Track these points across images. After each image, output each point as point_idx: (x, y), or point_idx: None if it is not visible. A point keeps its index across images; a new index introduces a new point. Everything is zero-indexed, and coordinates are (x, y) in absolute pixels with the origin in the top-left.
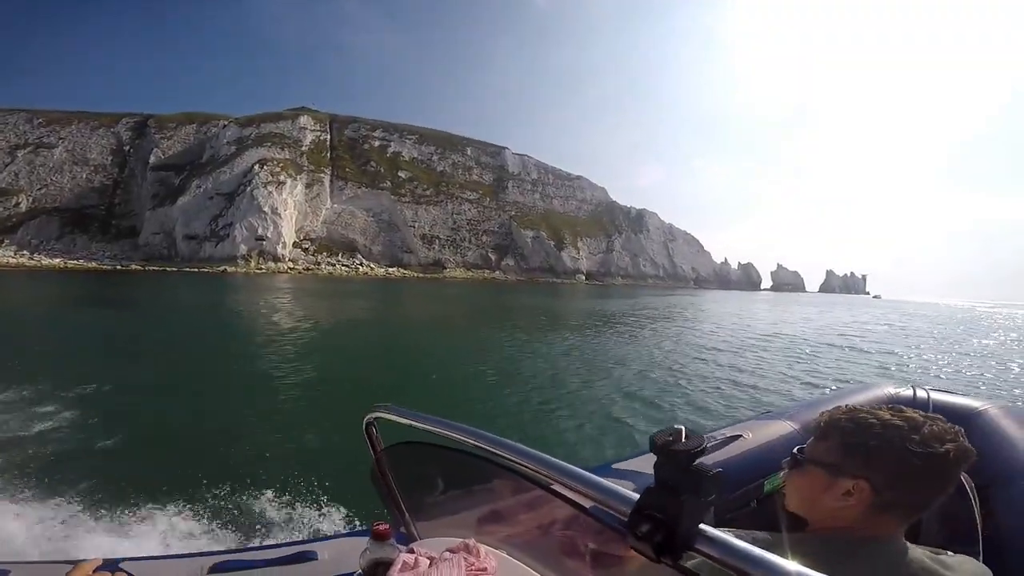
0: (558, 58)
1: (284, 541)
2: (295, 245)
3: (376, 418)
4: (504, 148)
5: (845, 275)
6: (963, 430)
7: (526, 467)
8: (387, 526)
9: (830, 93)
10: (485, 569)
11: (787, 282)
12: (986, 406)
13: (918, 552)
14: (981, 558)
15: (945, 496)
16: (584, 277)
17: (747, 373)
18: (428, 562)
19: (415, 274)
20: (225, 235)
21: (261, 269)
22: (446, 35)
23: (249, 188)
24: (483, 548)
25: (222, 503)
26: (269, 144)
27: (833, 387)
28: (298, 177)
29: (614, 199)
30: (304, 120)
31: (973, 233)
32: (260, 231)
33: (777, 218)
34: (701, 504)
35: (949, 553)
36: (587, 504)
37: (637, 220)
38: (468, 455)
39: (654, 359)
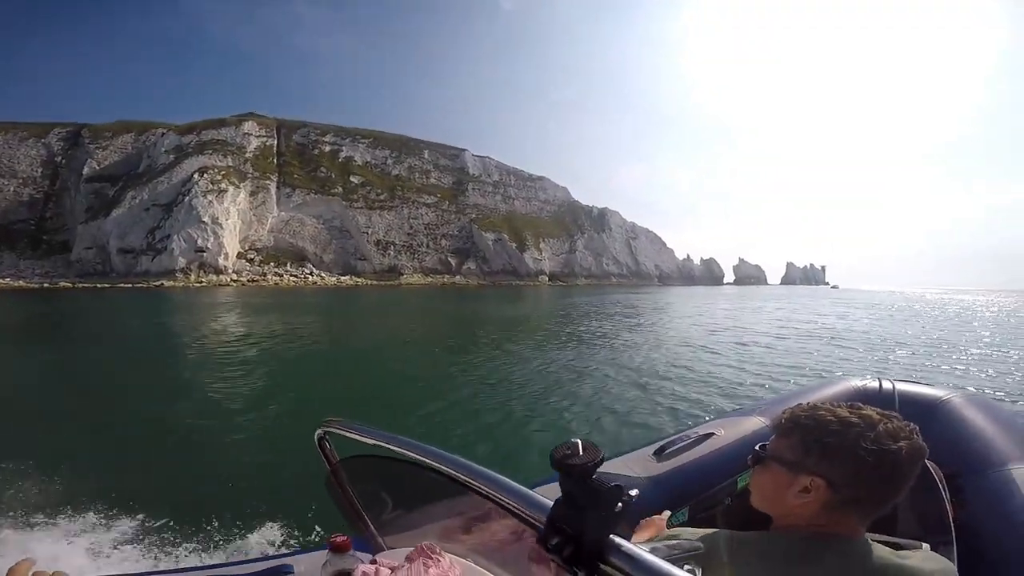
0: (525, 60)
1: (257, 556)
2: (239, 256)
3: (328, 432)
4: (464, 150)
5: (805, 267)
6: (918, 428)
7: (460, 476)
8: (346, 538)
9: (799, 92)
10: None
11: (749, 275)
12: (950, 395)
13: (880, 549)
14: (955, 548)
15: (900, 494)
16: (547, 278)
17: (701, 373)
18: (389, 572)
19: (370, 282)
20: (162, 248)
21: (202, 282)
22: (408, 38)
23: (188, 198)
24: (448, 556)
25: (188, 522)
26: (210, 151)
27: (804, 381)
28: (241, 185)
29: (576, 199)
30: (249, 126)
31: (928, 225)
32: (200, 242)
33: (753, 216)
34: (605, 517)
35: (916, 548)
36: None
37: (599, 219)
38: (424, 467)
39: (620, 362)
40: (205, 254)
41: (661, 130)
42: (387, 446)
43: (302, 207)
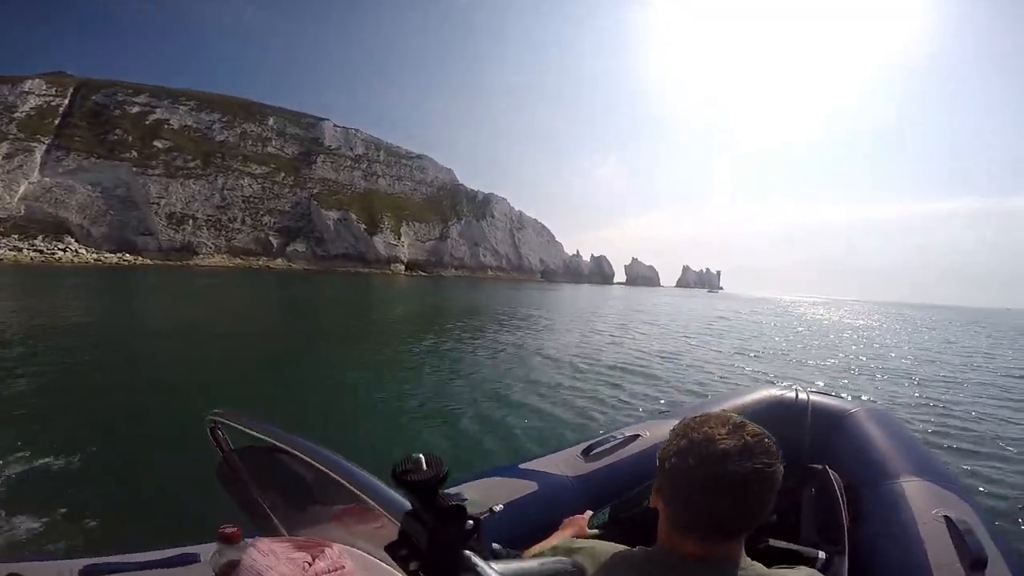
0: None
1: (165, 547)
2: None
3: (219, 422)
4: (324, 119)
5: (701, 271)
6: (773, 448)
7: (330, 472)
8: (235, 529)
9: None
10: (343, 567)
11: (642, 276)
12: (856, 408)
13: (757, 570)
14: (847, 558)
15: (740, 514)
16: (404, 267)
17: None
18: (277, 561)
19: (152, 261)
20: None
21: None
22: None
23: None
24: (337, 547)
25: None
26: None
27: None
28: None
29: (463, 183)
30: (34, 84)
31: (807, 235)
32: None
33: (658, 220)
34: (454, 534)
35: (811, 556)
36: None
37: (483, 205)
38: (310, 462)
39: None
40: None
41: (593, 129)
42: (272, 440)
43: (75, 173)
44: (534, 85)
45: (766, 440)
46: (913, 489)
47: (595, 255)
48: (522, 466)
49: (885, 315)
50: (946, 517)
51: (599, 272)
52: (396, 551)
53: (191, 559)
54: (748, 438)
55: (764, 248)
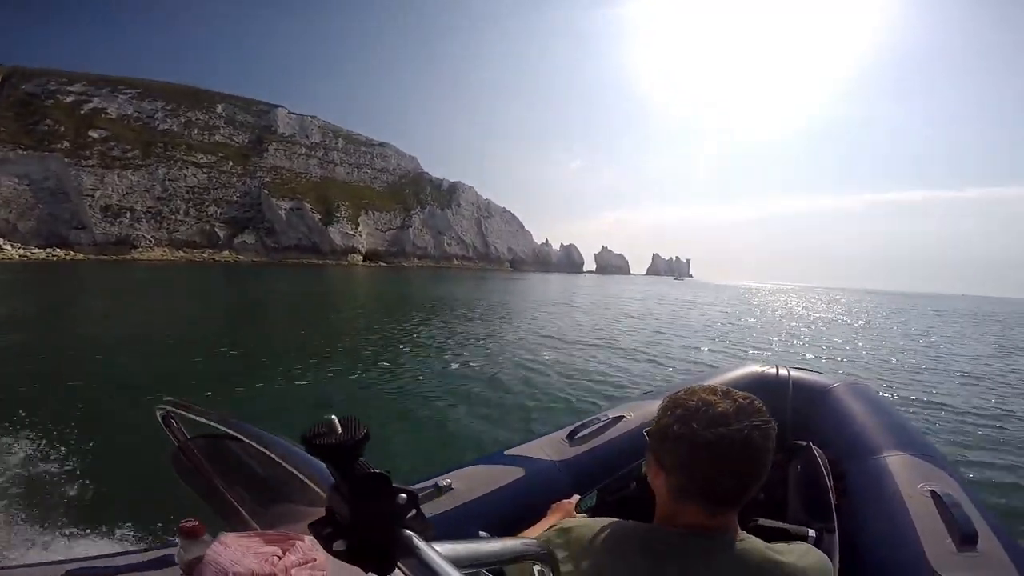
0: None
1: (144, 547)
2: None
3: (171, 411)
4: (277, 106)
5: (670, 259)
6: (764, 416)
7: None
8: (196, 523)
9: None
10: (314, 559)
11: (612, 264)
12: (837, 383)
13: (755, 543)
14: (837, 533)
15: (739, 480)
16: (362, 258)
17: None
18: (244, 555)
19: (85, 256)
20: None
21: None
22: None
23: None
24: (309, 539)
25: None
26: None
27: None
28: None
29: (427, 171)
30: None
31: (782, 225)
32: None
33: (636, 209)
34: (379, 509)
35: (801, 534)
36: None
37: (448, 194)
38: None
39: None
40: None
41: (566, 125)
42: (225, 428)
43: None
44: (510, 77)
45: (755, 402)
46: (898, 463)
47: (564, 244)
48: (507, 452)
49: (830, 300)
50: (932, 491)
51: (568, 261)
52: (320, 529)
53: (171, 561)
54: (740, 400)
55: (738, 237)
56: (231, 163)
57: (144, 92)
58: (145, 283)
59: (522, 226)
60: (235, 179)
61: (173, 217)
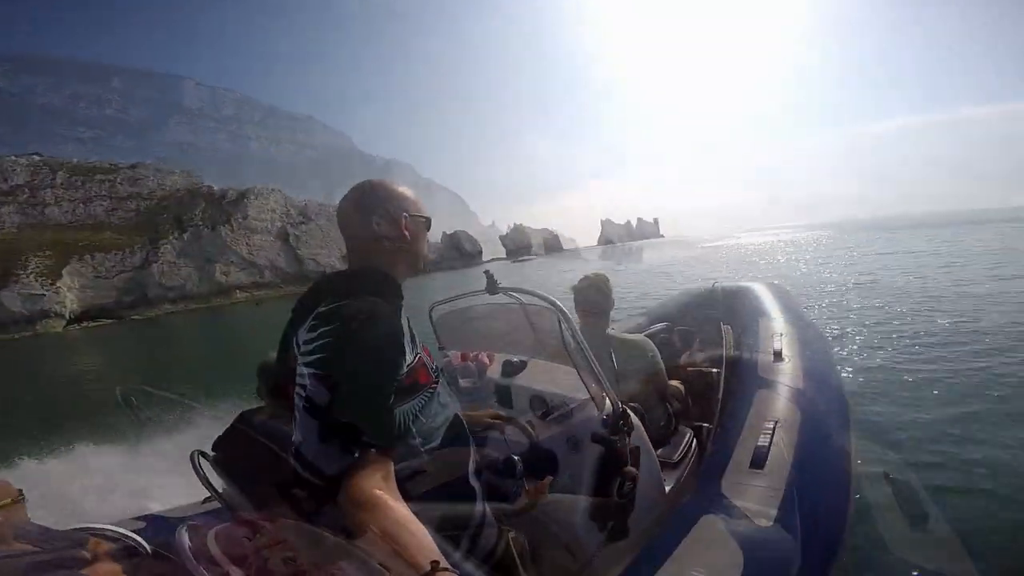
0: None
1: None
2: None
3: (130, 397)
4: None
5: (628, 222)
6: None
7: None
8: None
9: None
10: (285, 540)
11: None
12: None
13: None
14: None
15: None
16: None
17: None
18: (214, 540)
19: None
20: None
21: None
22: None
23: None
24: (282, 521)
25: None
26: None
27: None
28: None
29: (360, 147)
30: None
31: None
32: None
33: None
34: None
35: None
36: None
37: (383, 173)
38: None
39: None
40: None
41: (530, 108)
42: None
43: None
44: (466, 53)
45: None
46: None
47: (511, 225)
48: None
49: None
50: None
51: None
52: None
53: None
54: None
55: (717, 191)
56: None
57: None
58: None
59: (467, 207)
60: None
61: None
